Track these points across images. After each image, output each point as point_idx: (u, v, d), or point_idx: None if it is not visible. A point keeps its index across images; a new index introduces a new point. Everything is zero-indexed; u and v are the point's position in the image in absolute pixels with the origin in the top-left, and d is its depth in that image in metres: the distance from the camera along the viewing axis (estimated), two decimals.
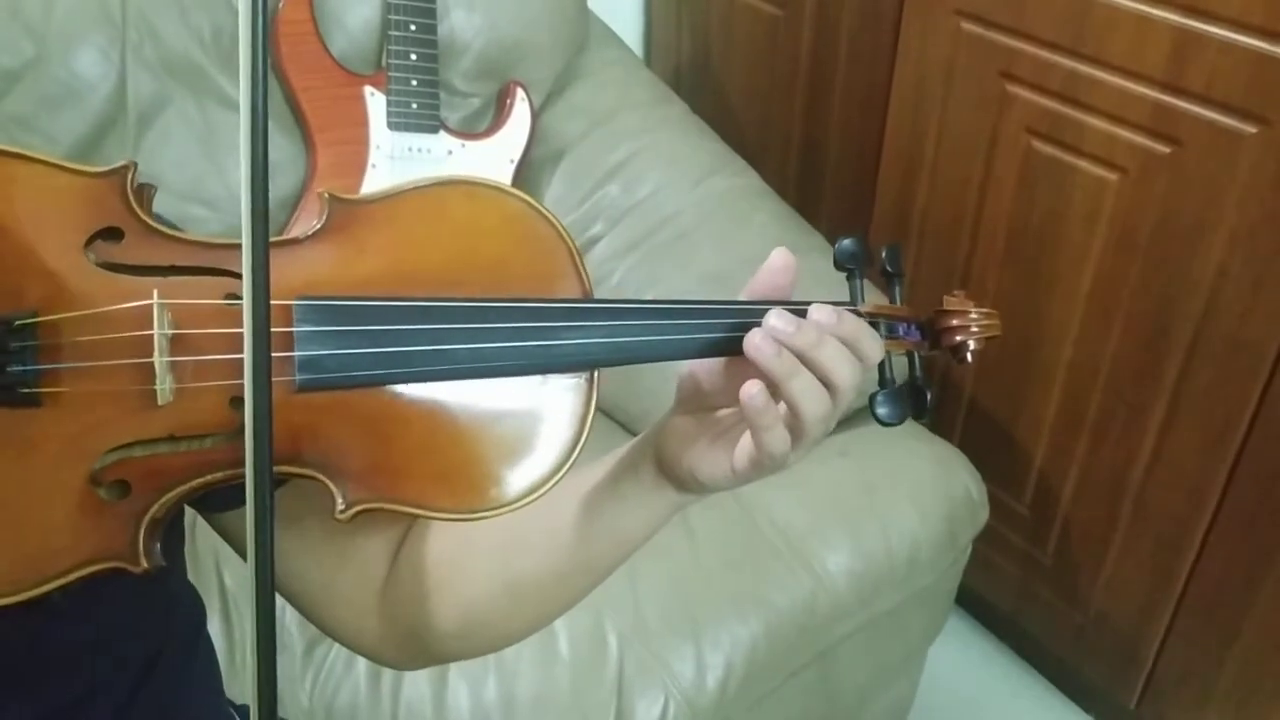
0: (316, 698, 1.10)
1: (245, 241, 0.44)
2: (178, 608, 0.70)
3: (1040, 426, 1.47)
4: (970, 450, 1.38)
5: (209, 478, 0.51)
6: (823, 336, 0.53)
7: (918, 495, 1.29)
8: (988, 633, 1.74)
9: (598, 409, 0.55)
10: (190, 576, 0.73)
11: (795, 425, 0.53)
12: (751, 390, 0.51)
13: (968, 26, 1.35)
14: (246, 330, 0.44)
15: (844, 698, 1.36)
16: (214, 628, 1.10)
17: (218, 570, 1.16)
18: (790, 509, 1.24)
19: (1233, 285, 1.17)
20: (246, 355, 0.44)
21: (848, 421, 1.17)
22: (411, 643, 0.67)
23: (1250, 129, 1.10)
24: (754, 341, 0.52)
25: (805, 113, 1.70)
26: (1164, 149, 1.19)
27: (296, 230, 0.53)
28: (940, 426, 1.58)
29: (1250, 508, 1.25)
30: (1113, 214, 1.27)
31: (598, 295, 0.55)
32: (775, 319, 0.52)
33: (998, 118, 1.35)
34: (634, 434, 1.39)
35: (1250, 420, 1.21)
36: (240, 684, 0.94)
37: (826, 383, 0.53)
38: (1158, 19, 1.14)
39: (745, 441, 0.54)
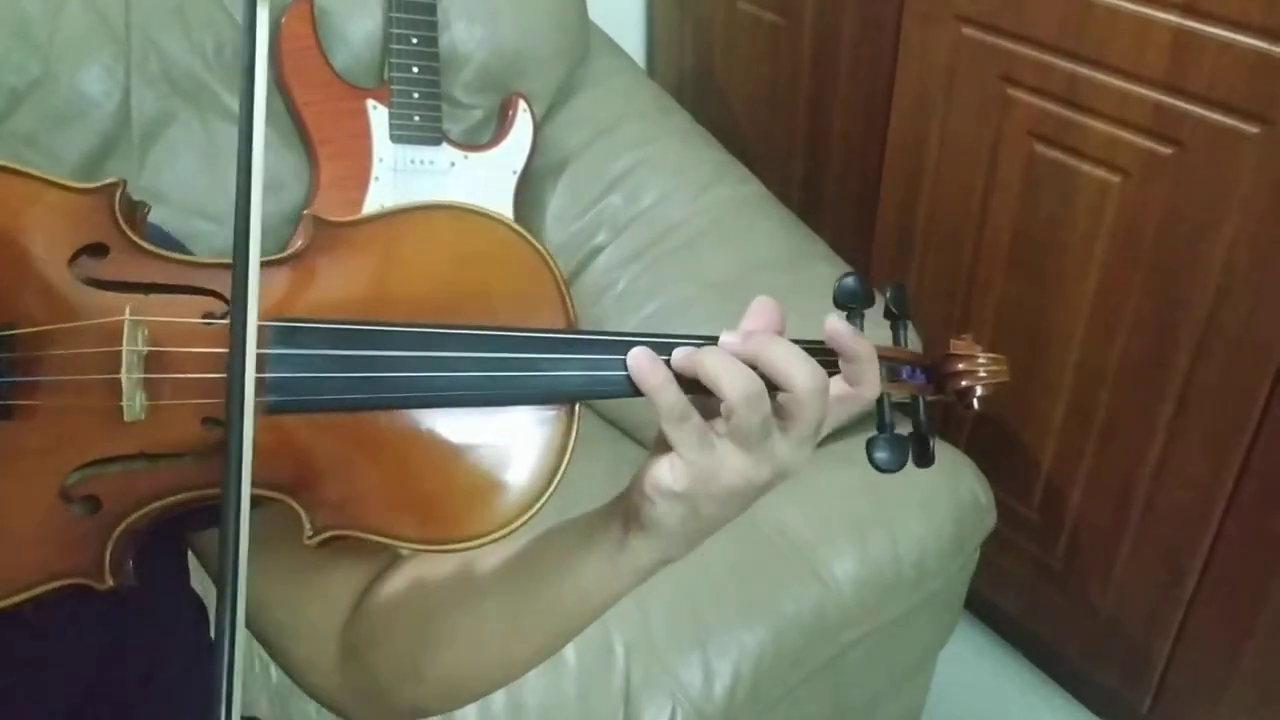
0: (326, 712, 1.09)
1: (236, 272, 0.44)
2: (176, 619, 0.69)
3: (1048, 430, 1.46)
4: (977, 455, 1.38)
5: (180, 497, 0.51)
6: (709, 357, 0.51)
7: (925, 501, 1.29)
8: (998, 638, 1.73)
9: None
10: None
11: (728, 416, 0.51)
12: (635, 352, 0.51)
13: (968, 31, 1.35)
14: (233, 358, 0.43)
15: (853, 705, 1.35)
16: None
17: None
18: (797, 517, 1.24)
19: (1238, 285, 1.17)
20: (232, 379, 0.44)
21: (853, 430, 1.16)
22: (369, 691, 0.65)
23: (1252, 129, 1.10)
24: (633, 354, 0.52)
25: (807, 120, 1.70)
26: (1166, 150, 1.19)
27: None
28: (947, 432, 1.58)
29: (1259, 508, 1.24)
30: (1116, 216, 1.27)
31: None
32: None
33: (999, 122, 1.35)
34: (636, 440, 1.40)
35: (1258, 420, 1.20)
36: (249, 694, 0.94)
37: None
38: (1158, 20, 1.14)
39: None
